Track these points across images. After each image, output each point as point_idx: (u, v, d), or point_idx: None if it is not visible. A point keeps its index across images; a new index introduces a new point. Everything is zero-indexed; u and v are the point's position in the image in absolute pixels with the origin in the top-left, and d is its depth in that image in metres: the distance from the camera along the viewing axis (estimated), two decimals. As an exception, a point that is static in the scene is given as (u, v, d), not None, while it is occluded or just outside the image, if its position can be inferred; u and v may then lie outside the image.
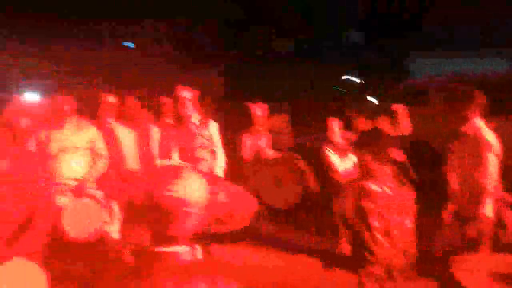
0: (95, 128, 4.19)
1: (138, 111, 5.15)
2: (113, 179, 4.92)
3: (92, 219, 3.59)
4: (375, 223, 2.28)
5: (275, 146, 5.74)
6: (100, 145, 4.16)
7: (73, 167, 4.00)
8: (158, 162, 4.33)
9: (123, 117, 5.04)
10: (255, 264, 4.45)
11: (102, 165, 4.13)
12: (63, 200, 3.75)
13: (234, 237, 4.18)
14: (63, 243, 3.65)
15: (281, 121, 6.83)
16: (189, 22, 14.27)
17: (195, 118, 4.37)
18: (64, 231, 3.51)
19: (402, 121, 5.03)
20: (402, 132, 4.94)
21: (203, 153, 4.32)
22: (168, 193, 1.33)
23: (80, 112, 4.29)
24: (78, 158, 4.02)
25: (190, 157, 4.21)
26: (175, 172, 1.38)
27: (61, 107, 3.94)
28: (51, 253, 3.76)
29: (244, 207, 3.68)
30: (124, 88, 6.87)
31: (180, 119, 4.34)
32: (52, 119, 3.98)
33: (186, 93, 4.28)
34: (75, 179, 3.96)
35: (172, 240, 1.37)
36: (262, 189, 5.10)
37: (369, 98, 10.69)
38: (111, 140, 4.89)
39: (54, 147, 3.93)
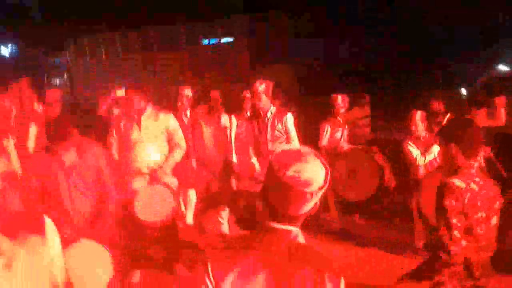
0: (173, 119, 4.22)
1: (218, 104, 5.32)
2: (192, 168, 5.12)
3: (163, 205, 3.67)
4: (456, 221, 2.06)
5: (354, 139, 5.58)
6: (179, 135, 4.20)
7: (150, 155, 4.09)
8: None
9: (206, 109, 5.20)
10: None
11: (179, 154, 4.17)
12: (137, 185, 3.89)
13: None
14: (138, 226, 3.80)
15: (361, 113, 6.62)
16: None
17: (270, 111, 4.38)
18: (136, 215, 3.63)
19: (500, 114, 4.76)
20: (498, 125, 4.77)
21: (277, 146, 4.29)
22: (293, 174, 1.37)
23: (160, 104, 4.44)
24: (155, 147, 4.10)
25: (264, 150, 4.33)
26: (299, 155, 1.42)
27: (138, 99, 4.05)
28: (127, 236, 3.98)
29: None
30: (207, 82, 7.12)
31: (256, 112, 4.39)
32: (131, 110, 4.11)
33: (261, 86, 4.26)
34: (151, 167, 4.06)
35: (289, 219, 1.43)
36: (337, 181, 4.99)
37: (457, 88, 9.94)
38: (193, 131, 5.10)
39: (133, 135, 4.07)
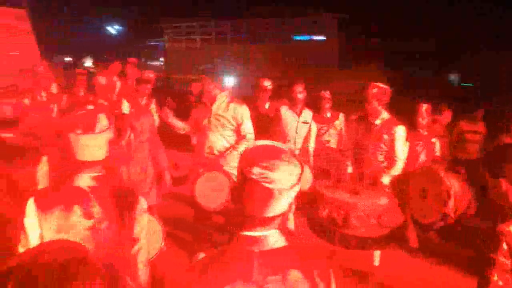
0: (245, 109, 4.21)
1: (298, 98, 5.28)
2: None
3: (220, 193, 3.74)
4: (496, 278, 1.75)
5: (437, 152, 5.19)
6: (247, 127, 4.19)
7: (217, 142, 4.18)
8: None
9: (291, 101, 5.20)
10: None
11: (245, 145, 4.13)
12: (201, 171, 4.01)
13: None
14: (201, 209, 3.94)
15: (470, 127, 6.18)
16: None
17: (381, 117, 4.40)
18: (196, 199, 3.75)
19: None
20: None
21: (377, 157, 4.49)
22: (261, 170, 1.30)
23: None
24: (222, 135, 4.17)
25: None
26: (272, 151, 1.36)
27: (213, 87, 4.15)
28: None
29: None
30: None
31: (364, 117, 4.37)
32: (205, 96, 4.24)
33: (374, 90, 4.14)
34: (216, 154, 4.17)
35: (260, 222, 1.35)
36: (409, 199, 4.70)
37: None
38: (275, 121, 5.13)
39: (204, 123, 4.18)
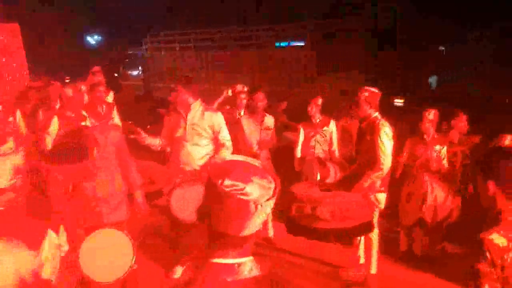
0: (220, 117, 4.17)
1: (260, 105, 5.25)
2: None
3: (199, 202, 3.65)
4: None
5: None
6: (225, 134, 4.15)
7: (194, 154, 4.11)
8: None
9: (252, 109, 5.18)
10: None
11: (225, 154, 4.09)
12: (177, 181, 3.93)
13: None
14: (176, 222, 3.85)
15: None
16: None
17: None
18: (171, 210, 3.67)
19: None
20: None
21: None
22: (233, 182, 1.21)
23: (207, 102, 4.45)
24: (199, 147, 4.10)
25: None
26: (244, 166, 1.29)
27: (187, 96, 4.09)
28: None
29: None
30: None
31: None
32: (179, 106, 4.17)
33: (364, 94, 4.08)
34: (194, 167, 4.09)
35: (233, 244, 1.25)
36: (398, 202, 4.73)
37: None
38: (238, 130, 5.10)
39: (179, 133, 4.11)
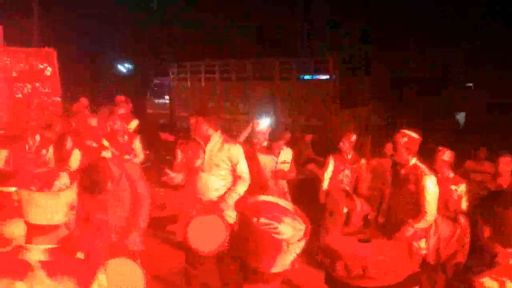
0: (239, 149, 4.19)
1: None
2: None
3: (216, 235, 3.64)
4: None
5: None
6: (241, 167, 4.14)
7: (211, 185, 4.11)
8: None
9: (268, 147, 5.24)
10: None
11: (242, 187, 4.11)
12: (194, 212, 3.93)
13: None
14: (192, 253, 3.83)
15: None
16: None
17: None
18: (188, 242, 3.66)
19: None
20: None
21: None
22: (268, 221, 1.30)
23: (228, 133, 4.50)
24: (218, 177, 4.10)
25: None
26: (278, 207, 1.37)
27: (206, 127, 4.13)
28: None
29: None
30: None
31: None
32: (199, 136, 4.21)
33: (403, 139, 3.96)
34: (212, 198, 4.08)
35: (262, 279, 1.31)
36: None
37: None
38: (254, 163, 5.13)
39: (197, 163, 4.13)
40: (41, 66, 8.35)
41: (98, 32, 21.05)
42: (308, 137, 7.73)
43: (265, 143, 5.36)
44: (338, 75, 12.96)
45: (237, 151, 4.15)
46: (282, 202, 1.38)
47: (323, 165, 5.62)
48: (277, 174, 5.08)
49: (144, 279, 2.56)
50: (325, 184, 5.35)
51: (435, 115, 14.03)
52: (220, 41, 19.52)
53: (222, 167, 4.12)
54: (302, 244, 1.30)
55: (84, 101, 6.65)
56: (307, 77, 14.25)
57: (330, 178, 5.35)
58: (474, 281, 1.67)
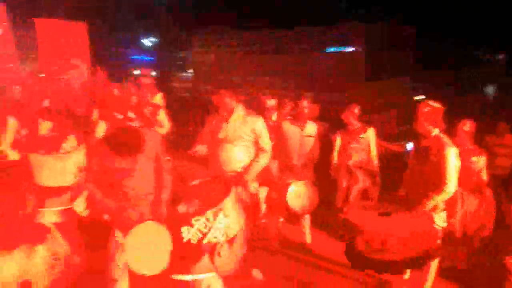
0: (262, 122, 4.23)
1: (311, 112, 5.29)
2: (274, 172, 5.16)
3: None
4: None
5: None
6: (265, 140, 4.21)
7: (235, 156, 4.17)
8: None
9: (296, 115, 5.23)
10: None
11: (264, 159, 4.18)
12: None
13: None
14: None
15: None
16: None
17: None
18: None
19: None
20: None
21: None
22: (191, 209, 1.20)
23: (249, 106, 4.52)
24: (241, 149, 4.16)
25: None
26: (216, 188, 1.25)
27: (230, 100, 4.16)
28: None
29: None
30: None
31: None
32: (222, 109, 4.24)
33: (425, 109, 3.90)
34: (236, 170, 4.14)
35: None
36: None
37: None
38: (278, 135, 5.15)
39: (221, 135, 4.19)
40: (72, 40, 8.26)
41: (121, 5, 21.10)
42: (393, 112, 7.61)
43: (274, 118, 5.34)
44: (365, 48, 12.68)
45: (259, 124, 4.20)
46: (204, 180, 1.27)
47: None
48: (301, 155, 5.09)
49: (171, 239, 2.63)
50: (335, 160, 5.36)
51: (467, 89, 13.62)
52: (242, 11, 19.15)
53: (245, 139, 4.17)
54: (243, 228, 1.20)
55: (102, 70, 6.68)
56: (332, 49, 13.99)
57: (339, 153, 5.34)
58: (506, 261, 1.63)
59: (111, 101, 3.95)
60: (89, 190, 2.81)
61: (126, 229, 2.55)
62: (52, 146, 1.52)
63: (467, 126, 4.66)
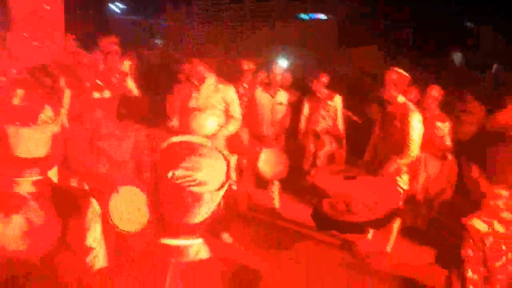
0: (233, 90, 4.29)
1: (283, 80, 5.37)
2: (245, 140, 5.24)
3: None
4: (471, 275, 1.66)
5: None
6: (236, 108, 4.26)
7: (206, 124, 4.19)
8: None
9: (268, 83, 5.29)
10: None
11: (233, 126, 4.25)
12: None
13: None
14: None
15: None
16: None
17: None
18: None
19: None
20: None
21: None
22: (185, 173, 1.13)
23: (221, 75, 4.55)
24: (211, 116, 4.20)
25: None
26: (192, 148, 1.19)
27: (202, 69, 4.16)
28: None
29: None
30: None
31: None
32: (193, 77, 4.25)
33: (393, 76, 3.97)
34: (205, 135, 4.18)
35: (185, 230, 1.19)
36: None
37: None
38: (249, 103, 5.21)
39: (192, 103, 4.21)
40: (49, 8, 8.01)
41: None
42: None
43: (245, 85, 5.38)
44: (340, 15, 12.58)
45: (230, 92, 4.25)
46: (197, 139, 1.22)
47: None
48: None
49: (147, 203, 2.74)
50: (302, 125, 5.49)
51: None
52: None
53: (217, 108, 4.21)
54: (226, 187, 1.16)
55: (71, 37, 6.48)
56: (303, 16, 13.92)
57: (307, 119, 5.46)
58: (465, 224, 1.69)
59: (80, 69, 3.92)
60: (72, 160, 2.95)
61: (106, 194, 2.74)
62: (28, 117, 1.51)
63: (435, 91, 4.80)
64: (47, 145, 1.59)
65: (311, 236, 4.67)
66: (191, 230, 1.17)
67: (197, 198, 1.12)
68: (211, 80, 4.20)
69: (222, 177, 1.16)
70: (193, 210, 1.14)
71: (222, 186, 1.15)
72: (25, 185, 1.56)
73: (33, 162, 1.57)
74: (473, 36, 14.93)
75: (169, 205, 1.14)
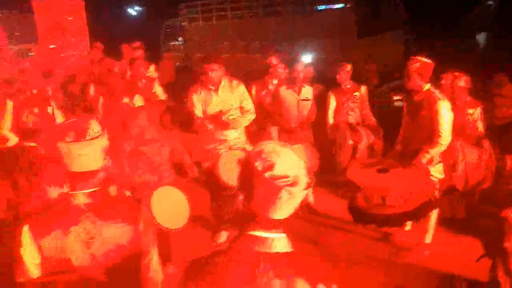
0: (243, 86, 4.37)
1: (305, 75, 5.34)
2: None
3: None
4: None
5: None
6: (249, 103, 4.37)
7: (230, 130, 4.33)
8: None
9: (291, 80, 5.28)
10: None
11: (250, 116, 4.37)
12: (220, 151, 4.17)
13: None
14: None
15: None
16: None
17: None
18: (219, 176, 3.92)
19: None
20: None
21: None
22: (280, 173, 1.26)
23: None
24: (233, 115, 4.32)
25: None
26: (279, 151, 1.31)
27: (218, 71, 4.18)
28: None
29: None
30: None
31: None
32: (211, 83, 4.25)
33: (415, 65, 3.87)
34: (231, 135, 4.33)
35: (273, 225, 1.31)
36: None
37: None
38: (275, 101, 5.21)
39: (215, 108, 4.27)
40: (71, 19, 8.14)
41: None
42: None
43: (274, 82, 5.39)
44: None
45: (242, 89, 4.34)
46: (293, 147, 1.34)
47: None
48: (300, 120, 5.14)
49: (188, 203, 2.76)
50: (330, 120, 5.43)
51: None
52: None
53: (234, 106, 4.30)
54: (306, 192, 1.29)
55: (99, 46, 6.62)
56: (321, 7, 13.76)
57: (335, 113, 5.40)
58: (505, 214, 1.74)
59: (108, 77, 4.00)
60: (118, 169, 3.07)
61: (147, 196, 2.79)
62: (77, 134, 1.59)
63: (462, 81, 4.67)
64: (101, 158, 1.66)
65: (347, 230, 4.63)
66: (279, 225, 1.30)
67: (291, 197, 1.25)
68: (224, 81, 4.26)
69: (307, 178, 1.28)
70: (285, 207, 1.27)
71: (308, 186, 1.28)
72: (82, 198, 1.63)
73: (87, 175, 1.64)
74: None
75: (264, 202, 1.26)
